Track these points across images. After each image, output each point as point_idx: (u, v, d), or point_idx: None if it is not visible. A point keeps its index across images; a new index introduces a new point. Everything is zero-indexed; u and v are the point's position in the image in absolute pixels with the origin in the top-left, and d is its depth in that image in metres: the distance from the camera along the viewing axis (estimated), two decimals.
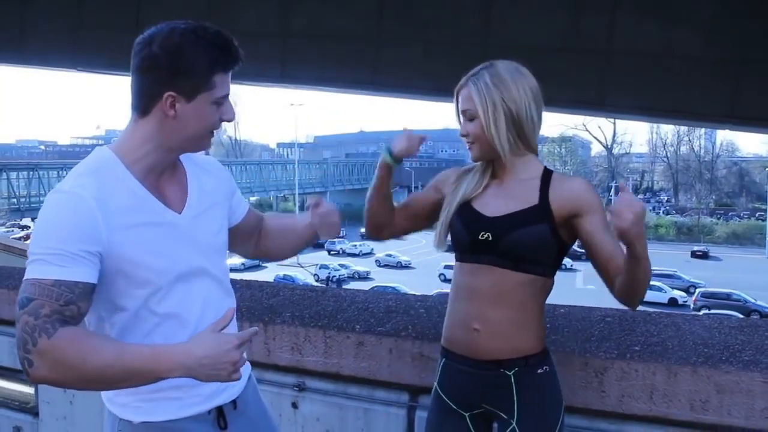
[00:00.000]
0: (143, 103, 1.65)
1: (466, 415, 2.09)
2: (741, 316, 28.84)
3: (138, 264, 1.64)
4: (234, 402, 1.86)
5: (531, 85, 2.02)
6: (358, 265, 42.49)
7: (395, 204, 2.27)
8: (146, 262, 1.65)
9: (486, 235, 2.01)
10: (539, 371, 2.02)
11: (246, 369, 1.93)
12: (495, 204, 2.05)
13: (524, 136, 2.02)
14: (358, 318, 2.77)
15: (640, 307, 2.42)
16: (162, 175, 1.73)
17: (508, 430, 2.01)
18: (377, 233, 2.28)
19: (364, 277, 39.32)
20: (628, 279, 1.85)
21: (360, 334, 2.67)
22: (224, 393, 1.83)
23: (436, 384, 2.15)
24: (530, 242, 1.98)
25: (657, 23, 7.61)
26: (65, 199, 1.58)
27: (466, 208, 2.07)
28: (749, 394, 2.18)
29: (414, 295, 3.30)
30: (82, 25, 9.60)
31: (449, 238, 2.11)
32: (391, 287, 35.22)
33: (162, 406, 1.74)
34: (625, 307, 2.67)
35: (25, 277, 1.54)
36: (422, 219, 2.26)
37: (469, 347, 2.04)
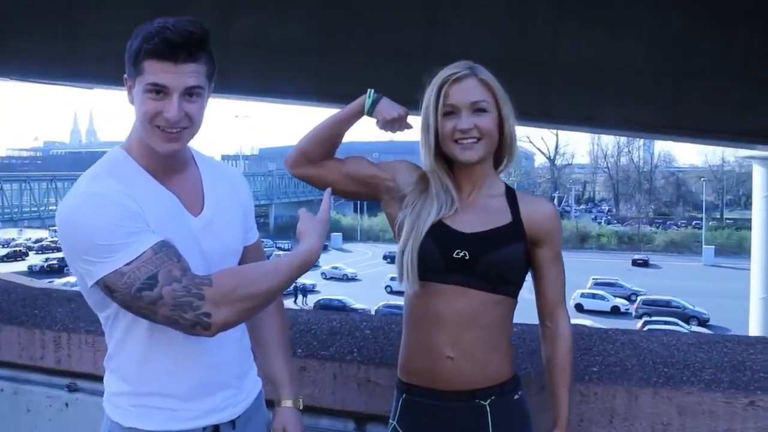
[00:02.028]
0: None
1: None
2: (681, 322, 29.56)
3: None
4: (233, 422, 1.73)
5: None
6: (303, 278, 42.05)
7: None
8: None
9: (462, 254, 1.81)
10: (515, 397, 1.88)
11: (255, 385, 1.84)
12: (468, 220, 1.86)
13: (512, 144, 1.89)
14: (300, 340, 2.59)
15: (595, 323, 2.33)
16: (171, 173, 1.65)
17: None
18: (298, 163, 1.95)
19: (310, 290, 38.93)
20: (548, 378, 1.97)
21: (302, 358, 2.49)
22: (225, 411, 1.72)
23: (394, 423, 1.94)
24: (509, 263, 1.83)
25: (600, 35, 7.67)
26: (91, 197, 1.51)
27: (436, 224, 1.85)
28: (711, 416, 2.08)
29: (359, 312, 3.14)
30: (8, 33, 9.22)
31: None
32: (337, 300, 35.04)
33: (153, 414, 1.65)
34: (581, 325, 2.58)
35: (107, 273, 1.46)
36: (352, 183, 1.96)
37: (438, 378, 1.84)
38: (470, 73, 1.82)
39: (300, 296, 37.93)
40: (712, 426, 2.08)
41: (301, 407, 1.90)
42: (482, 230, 1.84)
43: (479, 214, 1.87)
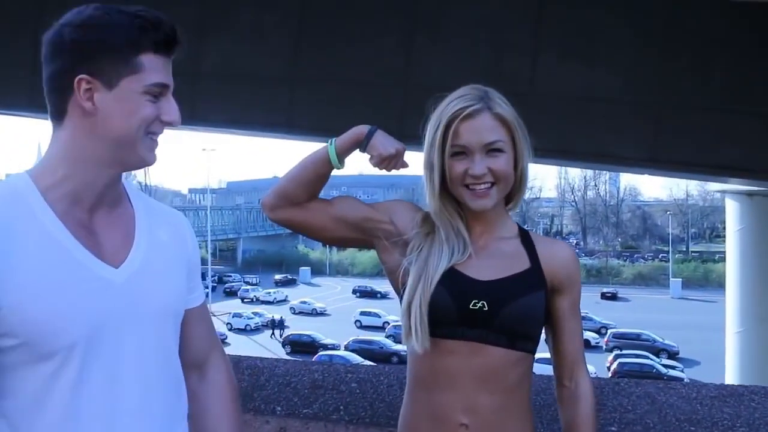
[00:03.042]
0: (56, 101, 1.26)
1: None
2: (651, 355, 29.57)
3: (41, 329, 1.18)
4: None
5: None
6: (273, 313, 41.51)
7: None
8: (53, 327, 1.19)
9: (480, 304, 1.55)
10: None
11: None
12: (482, 265, 1.59)
13: (524, 183, 1.64)
14: (278, 397, 2.31)
15: (603, 375, 2.10)
16: (95, 210, 1.29)
17: None
18: (277, 205, 1.67)
19: (279, 325, 38.32)
20: None
21: (282, 417, 2.21)
22: None
23: None
24: (530, 314, 1.57)
25: (578, 67, 7.58)
26: None
27: (447, 271, 1.58)
28: None
29: (342, 364, 2.87)
30: None
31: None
32: (306, 335, 34.49)
33: None
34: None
35: None
36: (342, 228, 1.69)
37: None
38: (484, 107, 1.54)
39: (277, 330, 37.30)
40: None
41: None
42: (499, 277, 1.59)
43: (494, 258, 1.61)
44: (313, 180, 1.65)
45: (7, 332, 1.18)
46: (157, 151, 1.33)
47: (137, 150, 1.28)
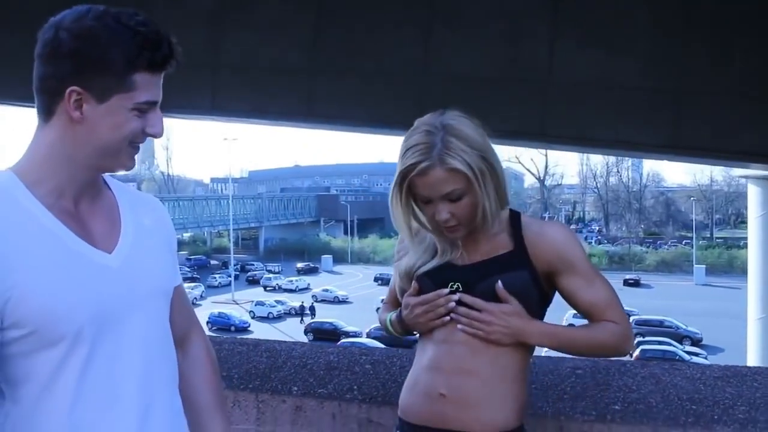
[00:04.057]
0: (45, 101, 1.29)
1: None
2: (674, 342, 29.41)
3: (48, 318, 1.25)
4: None
5: (483, 129, 1.67)
6: (295, 301, 41.82)
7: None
8: (58, 314, 1.26)
9: (456, 285, 1.70)
10: None
11: None
12: (468, 254, 1.74)
13: (503, 190, 1.69)
14: (295, 377, 2.40)
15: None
16: (80, 201, 1.35)
17: None
18: None
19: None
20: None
21: (298, 397, 2.30)
22: None
23: None
24: (508, 290, 1.68)
25: (597, 54, 7.57)
26: None
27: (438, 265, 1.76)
28: None
29: (357, 345, 2.95)
30: None
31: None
32: (328, 322, 34.73)
33: None
34: (596, 359, 2.40)
35: None
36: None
37: (432, 415, 1.70)
38: (434, 162, 1.60)
39: (307, 317, 37.88)
40: None
41: None
42: (477, 261, 1.72)
43: (479, 244, 1.73)
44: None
45: (16, 323, 1.24)
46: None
47: (119, 159, 1.35)
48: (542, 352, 2.31)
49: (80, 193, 1.36)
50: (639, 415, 2.03)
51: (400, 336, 1.92)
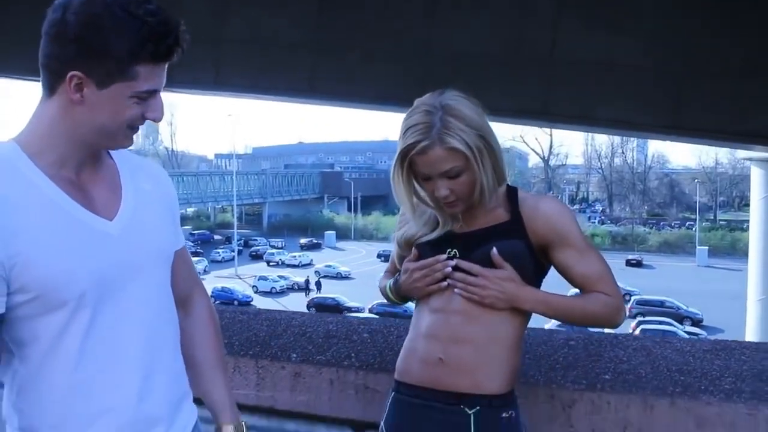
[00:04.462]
0: (48, 78, 1.32)
1: None
2: (675, 322, 29.54)
3: (50, 284, 1.31)
4: None
5: (481, 108, 1.74)
6: (298, 276, 42.00)
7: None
8: (60, 280, 1.31)
9: (453, 252, 1.77)
10: (503, 415, 1.75)
11: (191, 416, 1.61)
12: (464, 225, 1.80)
13: (500, 168, 1.75)
14: (294, 345, 2.46)
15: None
16: (82, 170, 1.39)
17: None
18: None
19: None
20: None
21: (297, 363, 2.36)
22: None
23: (382, 424, 1.87)
24: (503, 256, 1.74)
25: (601, 33, 7.56)
26: None
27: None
28: (732, 428, 1.96)
29: (356, 317, 3.02)
30: None
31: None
32: (331, 298, 34.93)
33: None
34: (590, 330, 2.46)
35: None
36: None
37: (428, 379, 1.76)
38: (434, 141, 1.66)
39: (313, 290, 38.16)
40: None
41: (245, 431, 1.66)
42: (474, 229, 1.78)
43: (477, 217, 1.80)
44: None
45: (21, 288, 1.30)
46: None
47: (117, 140, 1.39)
48: (534, 323, 2.36)
49: (81, 163, 1.40)
50: (628, 384, 2.08)
51: (399, 303, 1.99)
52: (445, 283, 1.77)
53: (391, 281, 1.94)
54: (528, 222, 1.76)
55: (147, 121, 1.40)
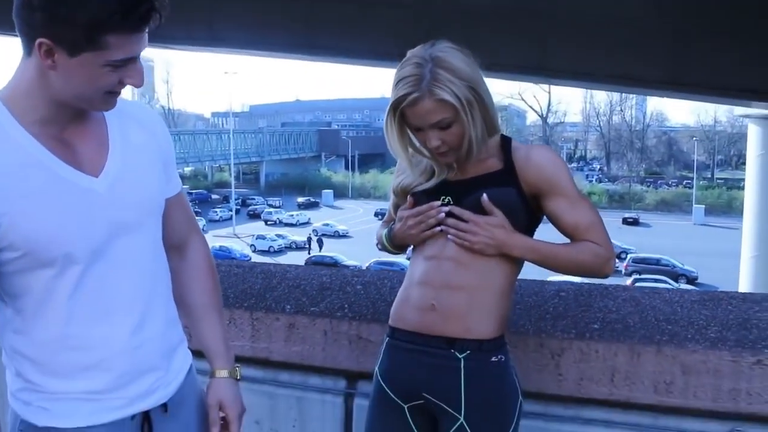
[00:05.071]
0: (23, 40, 1.31)
1: (405, 406, 1.84)
2: (670, 280, 29.75)
3: (37, 242, 1.32)
4: (165, 405, 1.55)
5: (473, 60, 1.74)
6: (296, 235, 42.11)
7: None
8: (46, 238, 1.33)
9: (447, 199, 1.80)
10: (492, 359, 1.79)
11: (185, 360, 1.64)
12: (459, 174, 1.84)
13: (491, 119, 1.76)
14: (288, 297, 2.49)
15: (596, 280, 2.26)
16: (67, 127, 1.39)
17: (455, 427, 1.77)
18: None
19: (302, 246, 39.38)
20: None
21: (291, 315, 2.40)
22: (154, 395, 1.52)
23: (376, 369, 1.92)
24: (495, 203, 1.77)
25: None
26: None
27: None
28: (716, 375, 2.01)
29: (350, 269, 3.04)
30: None
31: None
32: (329, 257, 35.09)
33: (73, 408, 1.43)
34: (580, 281, 2.49)
35: None
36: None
37: (422, 325, 1.80)
38: (423, 93, 1.68)
39: (316, 247, 38.35)
40: (717, 385, 2.01)
41: (238, 377, 1.69)
42: (468, 177, 1.81)
43: (471, 166, 1.82)
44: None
45: (9, 246, 1.32)
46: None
47: (94, 104, 1.38)
48: (525, 275, 2.38)
49: (66, 120, 1.39)
50: (616, 333, 2.12)
51: (395, 252, 2.02)
52: (438, 229, 1.79)
53: (386, 230, 1.97)
54: (520, 171, 1.78)
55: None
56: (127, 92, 1.42)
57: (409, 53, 1.74)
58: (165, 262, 1.58)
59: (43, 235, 1.33)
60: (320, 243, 39.83)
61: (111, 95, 1.37)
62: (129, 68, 1.33)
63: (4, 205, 1.29)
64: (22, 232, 1.31)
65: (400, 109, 1.73)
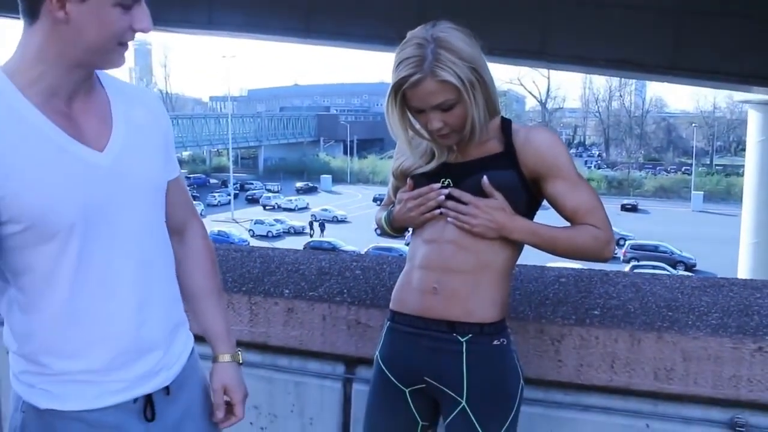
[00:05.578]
0: (28, 4, 1.29)
1: (406, 390, 1.84)
2: (668, 267, 29.79)
3: (40, 214, 1.31)
4: (167, 388, 1.54)
5: (474, 40, 1.71)
6: (294, 220, 42.09)
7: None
8: (49, 210, 1.32)
9: (447, 182, 1.78)
10: (494, 342, 1.77)
11: (187, 342, 1.63)
12: (459, 156, 1.82)
13: (492, 101, 1.74)
14: (287, 281, 2.48)
15: (596, 266, 2.24)
16: (73, 100, 1.37)
17: (457, 410, 1.76)
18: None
19: (300, 231, 39.35)
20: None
21: (289, 299, 2.38)
22: (157, 378, 1.51)
23: (377, 353, 1.90)
24: (495, 186, 1.75)
25: None
26: None
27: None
28: (717, 361, 1.99)
29: (349, 253, 3.03)
30: None
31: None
32: (327, 242, 35.07)
33: (76, 391, 1.43)
34: (580, 266, 2.48)
35: None
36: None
37: (421, 307, 1.79)
38: (425, 74, 1.65)
39: (318, 231, 38.43)
40: (717, 371, 1.99)
41: (240, 361, 1.70)
42: (467, 160, 1.79)
43: (471, 148, 1.80)
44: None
45: (12, 219, 1.30)
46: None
47: (108, 57, 1.36)
48: (525, 260, 2.37)
49: (73, 91, 1.38)
50: (617, 320, 2.11)
51: (394, 235, 2.00)
52: (438, 211, 1.78)
53: (386, 213, 1.95)
54: (520, 153, 1.76)
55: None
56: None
57: (409, 34, 1.70)
58: (168, 243, 1.57)
59: (46, 207, 1.31)
60: (322, 227, 39.79)
61: (122, 47, 1.36)
62: (136, 12, 1.33)
63: (8, 177, 1.28)
64: (26, 204, 1.30)
65: (402, 91, 1.70)
